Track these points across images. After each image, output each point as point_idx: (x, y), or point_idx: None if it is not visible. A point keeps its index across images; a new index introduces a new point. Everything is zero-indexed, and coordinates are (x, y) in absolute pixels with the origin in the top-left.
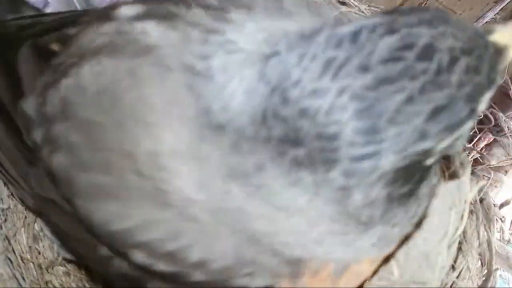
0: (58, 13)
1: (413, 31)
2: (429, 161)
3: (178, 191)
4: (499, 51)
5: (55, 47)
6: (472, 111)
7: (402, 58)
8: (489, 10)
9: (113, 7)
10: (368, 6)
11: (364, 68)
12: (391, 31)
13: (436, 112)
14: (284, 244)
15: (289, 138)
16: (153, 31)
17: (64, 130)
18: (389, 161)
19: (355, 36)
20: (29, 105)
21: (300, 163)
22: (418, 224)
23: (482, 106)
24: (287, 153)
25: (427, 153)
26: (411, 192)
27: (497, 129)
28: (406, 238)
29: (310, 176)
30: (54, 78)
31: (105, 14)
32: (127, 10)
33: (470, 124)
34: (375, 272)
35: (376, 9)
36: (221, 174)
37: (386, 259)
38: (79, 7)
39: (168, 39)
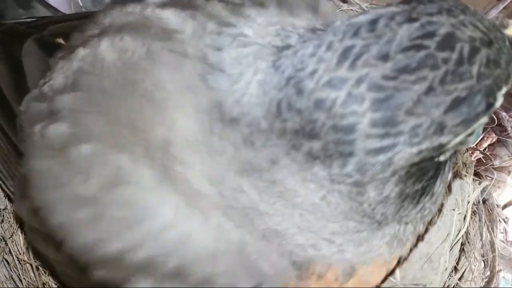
0: (70, 14)
1: (433, 19)
2: (442, 157)
3: (188, 182)
4: None
5: (60, 40)
6: (489, 106)
7: (423, 46)
8: (492, 8)
9: None
10: (370, 4)
11: (383, 57)
12: (410, 19)
13: (455, 105)
14: (296, 243)
15: (304, 131)
16: (174, 19)
17: (72, 99)
18: (404, 155)
19: (373, 24)
20: (32, 95)
21: (315, 157)
22: (431, 222)
23: (499, 101)
24: (302, 146)
25: (441, 148)
26: (424, 189)
27: (500, 129)
28: (419, 238)
29: (324, 171)
30: (69, 50)
31: None
32: None
33: (485, 119)
34: (384, 279)
35: (377, 6)
36: (233, 169)
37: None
38: (81, 4)
39: (187, 27)
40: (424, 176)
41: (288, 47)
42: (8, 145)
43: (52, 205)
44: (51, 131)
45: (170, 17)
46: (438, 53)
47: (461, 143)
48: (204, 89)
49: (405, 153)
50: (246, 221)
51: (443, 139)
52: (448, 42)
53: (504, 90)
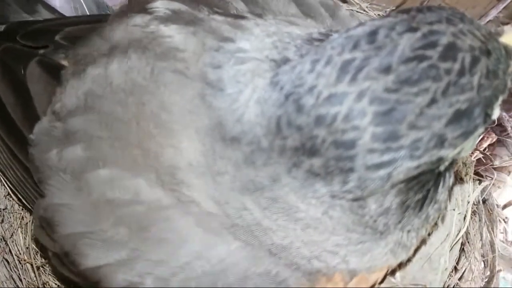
0: (72, 17)
1: (434, 28)
2: (441, 167)
3: (198, 205)
4: (510, 54)
5: (64, 62)
6: (487, 117)
7: (426, 57)
8: (492, 8)
9: None
10: (370, 4)
11: (385, 69)
12: (411, 28)
13: (456, 117)
14: (301, 256)
15: (304, 148)
16: (176, 36)
17: (85, 122)
18: (403, 170)
19: (372, 35)
20: (42, 125)
21: (316, 174)
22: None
23: (497, 112)
24: (302, 163)
25: (440, 161)
26: (426, 198)
27: (500, 129)
28: (422, 241)
29: (325, 188)
30: (79, 68)
31: (141, 4)
32: (161, 7)
33: (482, 130)
34: (386, 275)
35: (377, 6)
36: (235, 188)
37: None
38: (86, 8)
39: (188, 45)
40: (425, 186)
41: (285, 60)
42: (23, 172)
43: (82, 251)
44: (68, 154)
45: (173, 34)
46: (440, 64)
47: (458, 153)
48: (205, 109)
49: (405, 168)
50: (253, 239)
51: (443, 152)
52: (450, 52)
53: (500, 100)
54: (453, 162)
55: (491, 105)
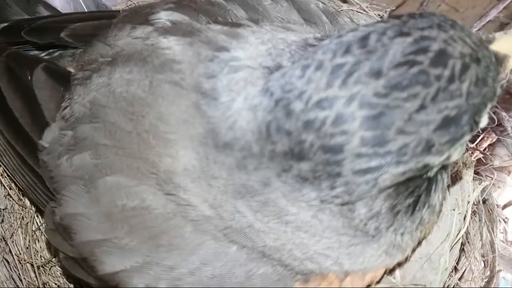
0: (76, 13)
1: (425, 34)
2: (430, 173)
3: (195, 209)
4: (500, 61)
5: (70, 68)
6: (474, 124)
7: (416, 62)
8: (492, 8)
9: (153, 9)
10: (370, 4)
11: (376, 74)
12: (403, 33)
13: (444, 123)
14: (294, 257)
15: (293, 152)
16: (174, 47)
17: (92, 130)
18: (389, 176)
19: (363, 40)
20: (52, 132)
21: (304, 179)
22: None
23: (485, 119)
24: (291, 168)
25: (426, 167)
26: (416, 203)
27: (501, 129)
28: (422, 241)
29: (314, 192)
30: (84, 74)
31: (144, 15)
32: (163, 18)
33: (469, 137)
34: (383, 275)
35: (377, 6)
36: (228, 192)
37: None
38: (85, 9)
39: (185, 57)
40: (415, 192)
41: (278, 67)
42: (33, 177)
43: (99, 257)
44: (78, 162)
45: (171, 45)
46: (431, 70)
47: (446, 160)
48: (199, 117)
49: (391, 174)
50: (247, 241)
51: (429, 158)
52: (441, 58)
53: (489, 107)
54: (445, 167)
55: (479, 113)
